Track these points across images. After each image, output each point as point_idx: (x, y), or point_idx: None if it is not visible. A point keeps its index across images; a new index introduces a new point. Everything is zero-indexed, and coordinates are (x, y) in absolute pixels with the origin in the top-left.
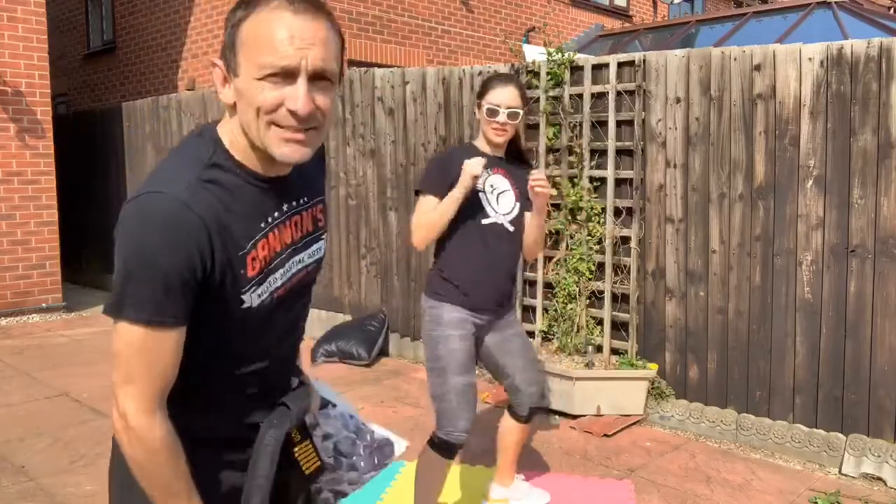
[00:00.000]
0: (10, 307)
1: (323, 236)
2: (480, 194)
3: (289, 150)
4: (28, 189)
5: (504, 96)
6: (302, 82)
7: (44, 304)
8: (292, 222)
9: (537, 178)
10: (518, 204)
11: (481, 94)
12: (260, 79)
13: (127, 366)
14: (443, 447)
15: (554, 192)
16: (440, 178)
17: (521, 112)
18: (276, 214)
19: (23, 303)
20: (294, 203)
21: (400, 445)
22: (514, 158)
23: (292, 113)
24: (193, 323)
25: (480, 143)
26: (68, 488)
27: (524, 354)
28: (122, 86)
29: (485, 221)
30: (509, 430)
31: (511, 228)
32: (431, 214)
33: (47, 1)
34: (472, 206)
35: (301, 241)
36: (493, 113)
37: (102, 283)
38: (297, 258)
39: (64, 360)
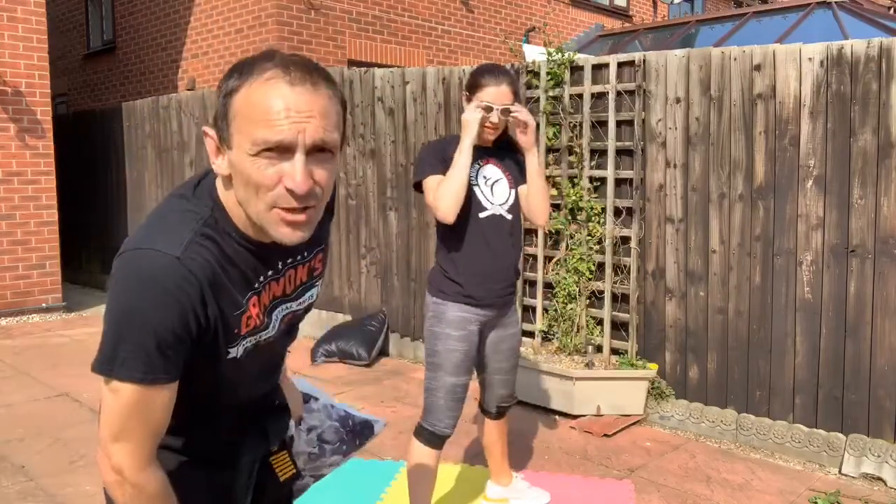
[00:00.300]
0: (10, 307)
1: (317, 283)
2: (475, 188)
3: (288, 232)
4: (28, 189)
5: (498, 94)
6: (299, 158)
7: (44, 304)
8: (287, 276)
9: (517, 108)
10: (513, 191)
11: (472, 88)
12: (254, 155)
13: (119, 422)
14: (428, 437)
15: (534, 123)
16: (437, 159)
17: (513, 109)
18: (269, 273)
19: (23, 303)
20: (291, 260)
21: (378, 425)
22: (504, 146)
23: (290, 191)
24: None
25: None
26: (68, 488)
27: (510, 358)
28: (122, 86)
29: (482, 215)
30: (488, 427)
31: (509, 217)
32: (449, 177)
33: (47, 1)
34: (469, 200)
35: (293, 292)
36: (486, 110)
37: (102, 283)
38: (285, 306)
39: (64, 360)
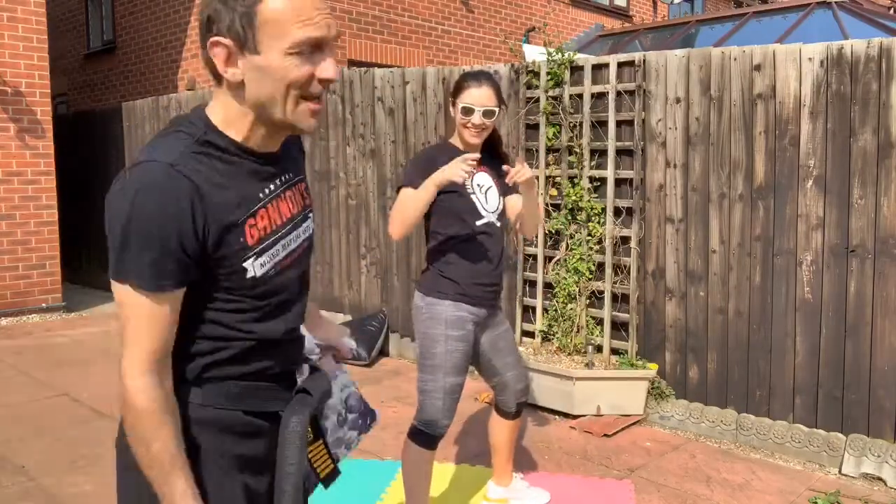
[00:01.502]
0: (10, 307)
1: (310, 215)
2: (472, 196)
3: (313, 123)
4: (28, 189)
5: (479, 96)
6: (329, 51)
7: (44, 304)
8: (287, 196)
9: (516, 170)
10: (501, 199)
11: (455, 93)
12: (290, 54)
13: (128, 329)
14: (424, 440)
15: (529, 172)
16: (422, 173)
17: (496, 111)
18: (272, 187)
19: (23, 303)
20: (284, 178)
21: (377, 415)
22: (491, 153)
23: (327, 81)
24: (209, 293)
25: (456, 142)
26: (68, 488)
27: (513, 351)
28: (122, 86)
29: (479, 223)
30: (499, 428)
31: (498, 224)
32: (405, 205)
33: (47, 1)
34: (467, 209)
35: (298, 215)
36: (467, 112)
37: (102, 283)
38: (296, 233)
39: (64, 360)
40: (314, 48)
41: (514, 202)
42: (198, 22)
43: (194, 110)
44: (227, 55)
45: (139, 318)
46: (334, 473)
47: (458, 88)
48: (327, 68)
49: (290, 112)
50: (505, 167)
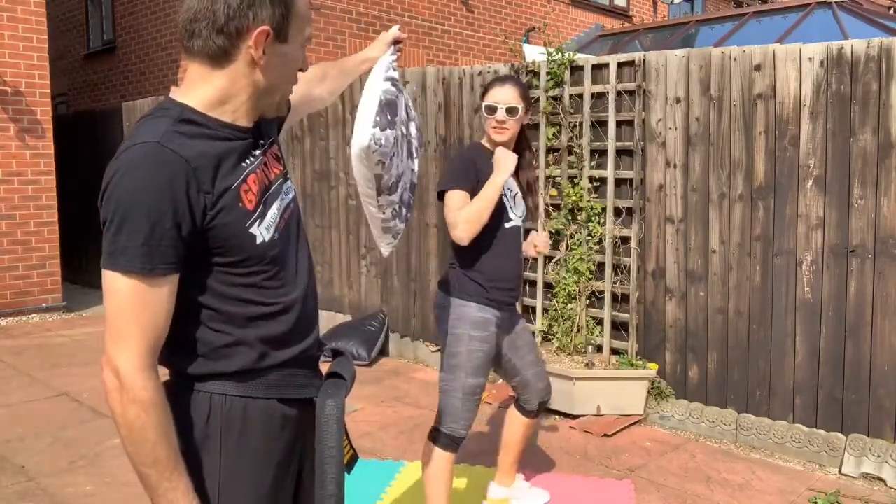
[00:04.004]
0: (10, 307)
1: (288, 177)
2: (503, 197)
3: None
4: (28, 189)
5: (502, 94)
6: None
7: (44, 304)
8: (268, 160)
9: (542, 242)
10: (523, 203)
11: (482, 96)
12: (304, 45)
13: (120, 320)
14: (445, 442)
15: (547, 249)
16: (467, 174)
17: (519, 108)
18: (256, 153)
19: (23, 303)
20: (261, 143)
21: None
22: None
23: (302, 71)
24: (226, 272)
25: (486, 143)
26: (68, 488)
27: (533, 349)
28: (122, 86)
29: (507, 225)
30: (516, 426)
31: (521, 227)
32: (477, 205)
33: (47, 1)
34: (499, 210)
35: (279, 176)
36: (491, 110)
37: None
38: (281, 195)
39: (64, 360)
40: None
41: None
42: (220, 6)
43: (164, 99)
44: (264, 41)
45: (133, 307)
46: (354, 459)
47: (485, 90)
48: (306, 60)
49: (285, 90)
50: (532, 238)
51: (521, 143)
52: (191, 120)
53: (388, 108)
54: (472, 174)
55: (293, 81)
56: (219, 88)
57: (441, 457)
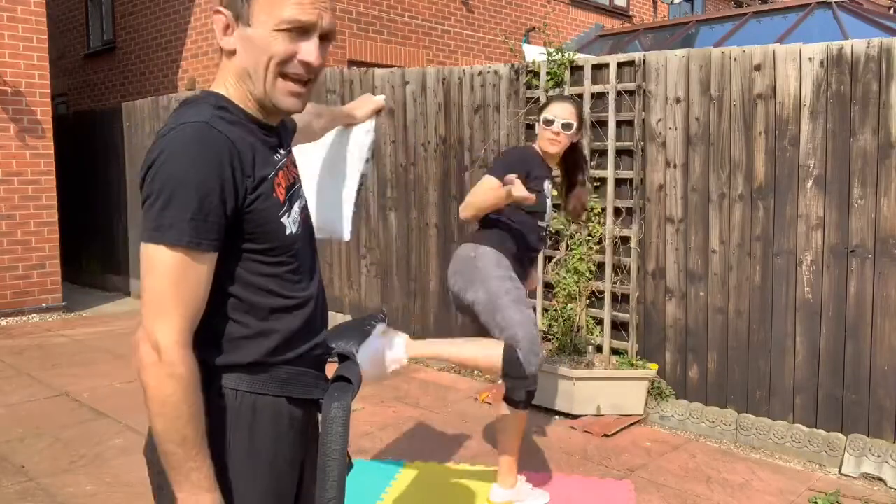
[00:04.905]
0: (10, 307)
1: (301, 186)
2: (547, 200)
3: (292, 103)
4: (28, 189)
5: (560, 110)
6: (316, 38)
7: (44, 304)
8: (286, 164)
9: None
10: (552, 210)
11: (541, 110)
12: (277, 30)
13: (163, 295)
14: (521, 380)
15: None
16: (509, 168)
17: (574, 125)
18: (281, 152)
19: (23, 303)
20: (285, 149)
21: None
22: (568, 173)
23: (306, 65)
24: (252, 257)
25: (538, 147)
26: (68, 488)
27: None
28: (122, 86)
29: (541, 223)
30: (508, 420)
31: (545, 232)
32: (486, 195)
33: (47, 1)
34: (540, 209)
35: (296, 182)
36: (548, 123)
37: (102, 283)
38: (300, 196)
39: (64, 360)
40: (301, 31)
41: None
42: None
43: (204, 90)
44: (226, 25)
45: (177, 281)
46: (349, 466)
47: (545, 105)
48: (309, 51)
49: (270, 87)
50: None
51: (576, 161)
52: (226, 108)
53: (362, 185)
54: (509, 169)
55: (266, 68)
56: (226, 82)
57: (515, 413)
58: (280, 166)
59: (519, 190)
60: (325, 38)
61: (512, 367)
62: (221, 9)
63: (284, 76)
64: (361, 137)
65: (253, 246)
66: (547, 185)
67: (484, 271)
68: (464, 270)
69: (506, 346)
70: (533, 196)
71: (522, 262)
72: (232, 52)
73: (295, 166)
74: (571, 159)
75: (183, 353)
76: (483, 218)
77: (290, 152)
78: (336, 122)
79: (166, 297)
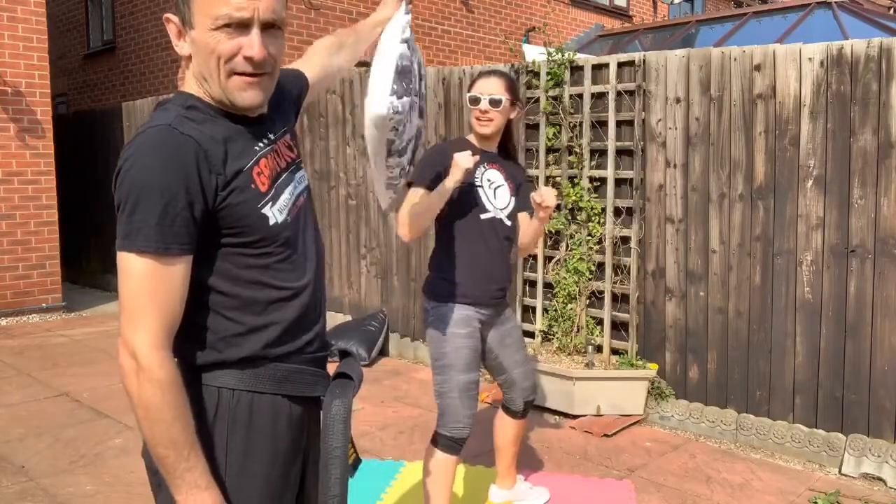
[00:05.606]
0: (10, 307)
1: (301, 165)
2: (478, 189)
3: (249, 96)
4: (28, 189)
5: (485, 85)
6: (255, 32)
7: (44, 304)
8: (279, 148)
9: (549, 193)
10: (513, 199)
11: (469, 88)
12: (215, 29)
13: (135, 301)
14: (447, 444)
15: (556, 201)
16: (430, 169)
17: (503, 100)
18: (265, 141)
19: (23, 303)
20: (273, 135)
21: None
22: (504, 153)
23: (249, 59)
24: (239, 253)
25: (472, 138)
26: (68, 488)
27: (521, 348)
28: (122, 86)
29: (483, 217)
30: (504, 427)
31: (508, 223)
32: (418, 206)
33: (47, 1)
34: (471, 201)
35: (291, 164)
36: (475, 101)
37: (102, 283)
38: (294, 182)
39: (64, 360)
40: (240, 26)
41: (525, 221)
42: None
43: (174, 92)
44: (178, 31)
45: (148, 288)
46: (358, 461)
47: (471, 83)
48: (250, 45)
49: (223, 85)
50: (534, 195)
51: (508, 140)
52: (195, 107)
53: (403, 74)
54: (437, 169)
55: (217, 68)
56: (191, 80)
57: (443, 460)
58: (263, 154)
59: (456, 173)
60: (270, 26)
61: (439, 444)
62: (170, 16)
63: (235, 73)
64: (395, 22)
65: (235, 240)
66: (491, 173)
67: (434, 325)
68: (424, 320)
69: (432, 439)
70: (469, 159)
71: (488, 302)
72: (188, 58)
73: (290, 148)
74: (511, 144)
75: (160, 357)
76: (434, 249)
77: (283, 135)
78: (364, 41)
79: (140, 304)
